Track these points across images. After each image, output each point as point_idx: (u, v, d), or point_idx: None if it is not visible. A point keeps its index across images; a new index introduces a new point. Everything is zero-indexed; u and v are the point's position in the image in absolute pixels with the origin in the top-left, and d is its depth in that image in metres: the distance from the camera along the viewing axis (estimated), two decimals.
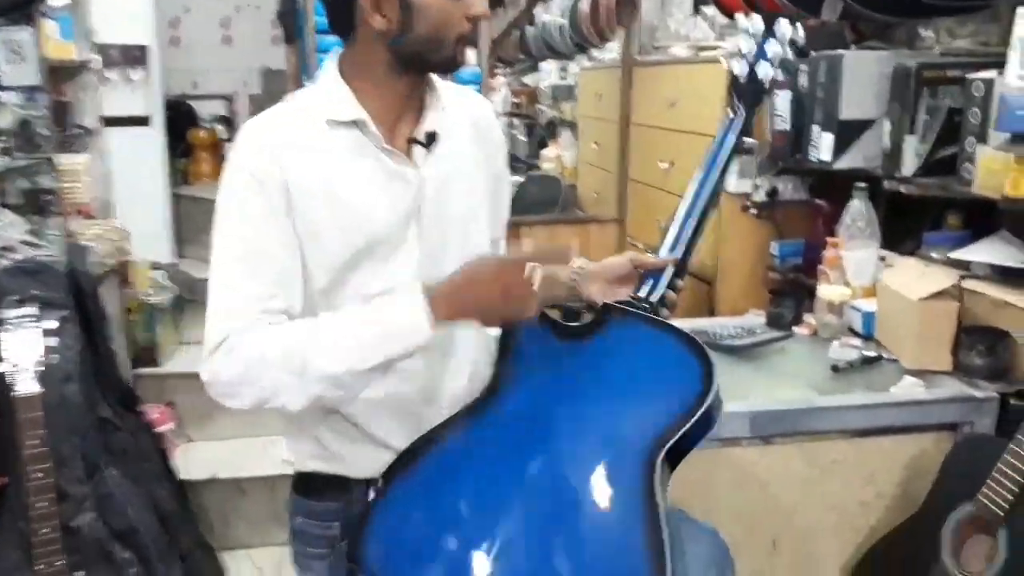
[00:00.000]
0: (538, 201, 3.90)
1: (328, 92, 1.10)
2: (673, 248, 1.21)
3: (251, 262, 1.04)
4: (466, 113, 1.20)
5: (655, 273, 1.19)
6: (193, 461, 2.79)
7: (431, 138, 1.12)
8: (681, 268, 1.20)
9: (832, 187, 2.28)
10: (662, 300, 1.17)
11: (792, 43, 1.28)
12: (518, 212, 3.87)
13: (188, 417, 2.97)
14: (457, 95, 1.21)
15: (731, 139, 1.24)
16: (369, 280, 1.08)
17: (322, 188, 1.06)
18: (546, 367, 1.10)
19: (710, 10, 2.55)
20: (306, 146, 1.06)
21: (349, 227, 1.07)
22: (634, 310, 1.14)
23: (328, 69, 1.12)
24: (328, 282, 1.08)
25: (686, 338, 1.06)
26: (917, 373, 1.58)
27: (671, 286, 1.19)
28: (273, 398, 1.02)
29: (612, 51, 3.53)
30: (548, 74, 5.13)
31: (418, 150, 1.12)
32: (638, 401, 1.05)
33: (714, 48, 2.52)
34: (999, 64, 1.75)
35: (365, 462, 1.14)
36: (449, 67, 1.11)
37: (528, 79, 5.71)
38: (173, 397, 2.95)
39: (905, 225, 2.02)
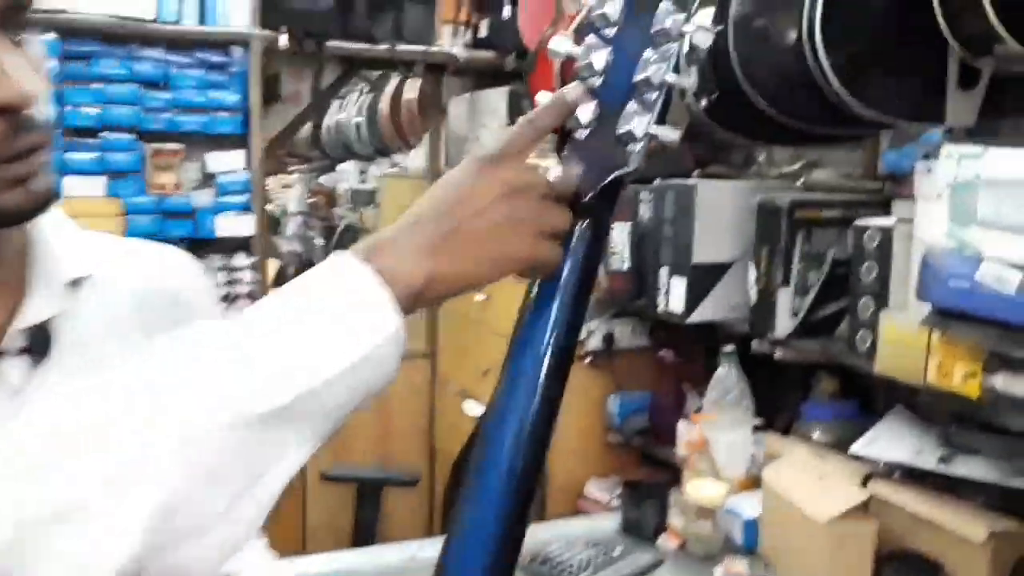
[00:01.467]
0: None
1: None
2: None
3: None
4: (138, 287, 0.66)
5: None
6: None
7: (40, 340, 0.59)
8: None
9: (678, 332, 1.92)
10: None
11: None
12: None
13: None
14: (122, 255, 0.68)
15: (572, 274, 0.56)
16: None
17: None
18: None
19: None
20: None
21: None
22: None
23: None
24: None
25: None
26: None
27: None
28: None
29: (417, 158, 3.10)
30: (347, 176, 4.65)
31: (13, 363, 0.58)
32: None
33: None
34: (879, 203, 1.46)
35: None
36: None
37: (326, 179, 5.21)
38: None
39: (773, 390, 1.66)
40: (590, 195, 0.55)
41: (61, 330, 0.60)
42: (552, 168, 0.56)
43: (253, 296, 2.29)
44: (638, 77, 0.54)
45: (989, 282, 0.99)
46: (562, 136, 0.56)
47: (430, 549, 1.09)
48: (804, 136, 1.37)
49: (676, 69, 0.55)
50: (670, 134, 0.54)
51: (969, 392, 1.06)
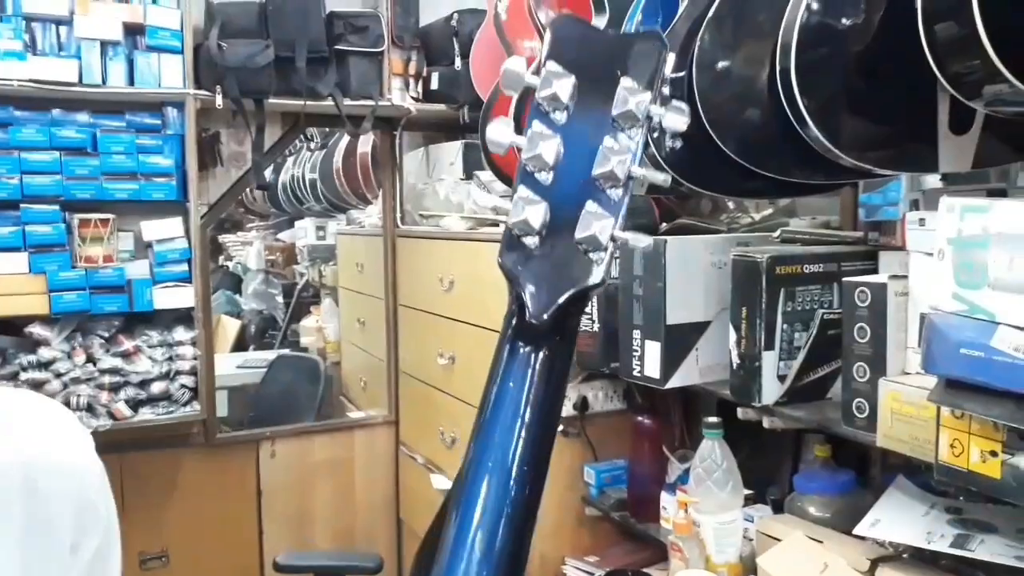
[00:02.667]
0: (290, 393, 3.15)
1: None
2: None
3: None
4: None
5: None
6: None
7: None
8: None
9: (654, 393, 1.79)
10: None
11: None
12: (263, 412, 3.08)
13: None
14: None
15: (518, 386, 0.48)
16: None
17: None
18: None
19: (485, 175, 2.06)
20: None
21: None
22: None
23: None
24: None
25: None
26: None
27: None
28: None
29: (373, 215, 2.97)
30: (305, 232, 4.51)
31: None
32: None
33: (494, 223, 2.00)
34: (863, 255, 1.35)
35: None
36: None
37: (285, 235, 5.07)
38: None
39: (762, 457, 1.53)
40: (545, 316, 0.42)
41: None
42: None
43: (195, 372, 2.12)
44: (597, 171, 0.43)
45: (1007, 350, 0.87)
46: (510, 244, 0.44)
47: None
48: (776, 187, 1.26)
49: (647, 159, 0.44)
50: (642, 241, 0.42)
51: (990, 473, 0.94)
